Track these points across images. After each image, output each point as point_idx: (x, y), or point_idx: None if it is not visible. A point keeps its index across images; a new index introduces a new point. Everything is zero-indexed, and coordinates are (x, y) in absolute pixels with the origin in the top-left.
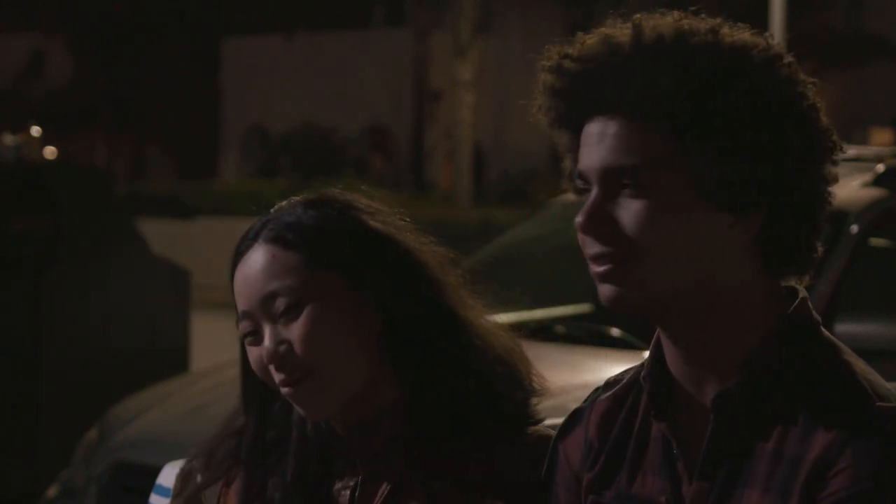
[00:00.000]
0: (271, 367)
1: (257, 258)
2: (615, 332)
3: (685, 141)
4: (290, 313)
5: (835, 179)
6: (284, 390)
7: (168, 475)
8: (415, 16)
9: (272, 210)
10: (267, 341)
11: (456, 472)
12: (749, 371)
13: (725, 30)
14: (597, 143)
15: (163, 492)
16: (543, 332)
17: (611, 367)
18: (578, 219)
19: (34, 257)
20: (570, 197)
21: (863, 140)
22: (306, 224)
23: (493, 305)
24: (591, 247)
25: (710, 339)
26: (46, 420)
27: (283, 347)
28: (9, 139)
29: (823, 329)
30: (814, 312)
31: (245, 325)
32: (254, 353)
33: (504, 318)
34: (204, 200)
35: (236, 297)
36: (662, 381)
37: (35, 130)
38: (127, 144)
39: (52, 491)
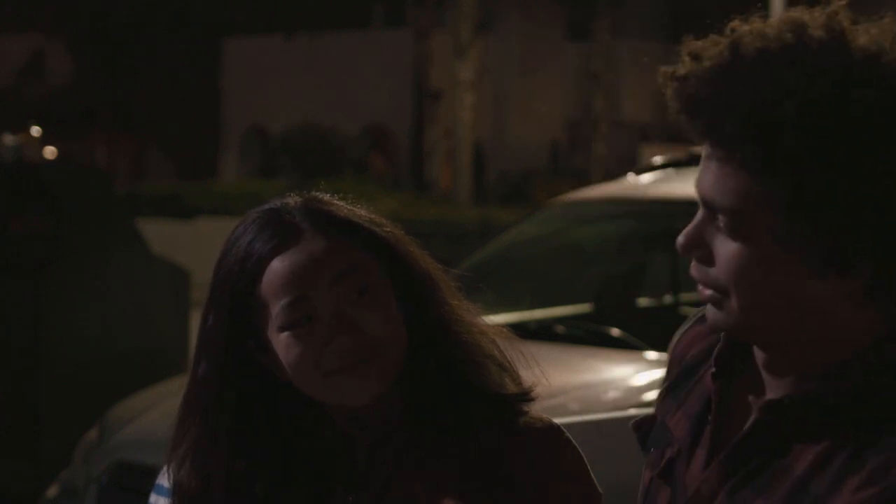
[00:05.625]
0: (336, 348)
1: (316, 243)
2: (615, 332)
3: (769, 190)
4: (363, 294)
5: None
6: (345, 369)
7: (168, 475)
8: (415, 16)
9: (268, 207)
10: (338, 320)
11: (451, 463)
12: (811, 390)
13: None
14: (703, 167)
15: (163, 492)
16: (543, 332)
17: (611, 367)
18: (679, 239)
19: (34, 257)
20: (570, 197)
21: None
22: (345, 215)
23: (493, 305)
24: (693, 269)
25: (796, 356)
26: (46, 420)
27: (357, 326)
28: (9, 139)
29: None
30: None
31: (293, 314)
32: (303, 340)
33: (504, 318)
34: (204, 200)
35: (281, 287)
36: (737, 351)
37: (35, 130)
38: (127, 144)
39: (52, 491)
